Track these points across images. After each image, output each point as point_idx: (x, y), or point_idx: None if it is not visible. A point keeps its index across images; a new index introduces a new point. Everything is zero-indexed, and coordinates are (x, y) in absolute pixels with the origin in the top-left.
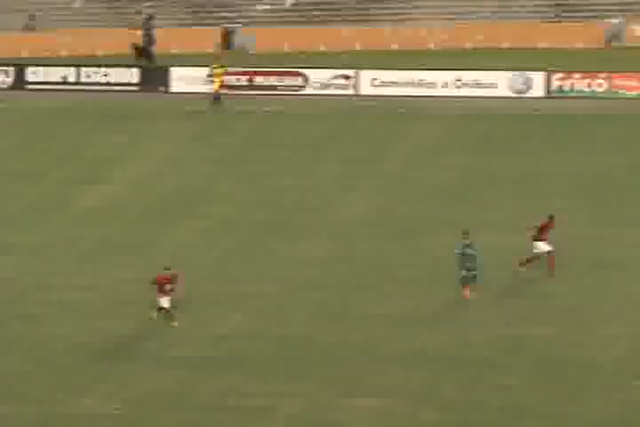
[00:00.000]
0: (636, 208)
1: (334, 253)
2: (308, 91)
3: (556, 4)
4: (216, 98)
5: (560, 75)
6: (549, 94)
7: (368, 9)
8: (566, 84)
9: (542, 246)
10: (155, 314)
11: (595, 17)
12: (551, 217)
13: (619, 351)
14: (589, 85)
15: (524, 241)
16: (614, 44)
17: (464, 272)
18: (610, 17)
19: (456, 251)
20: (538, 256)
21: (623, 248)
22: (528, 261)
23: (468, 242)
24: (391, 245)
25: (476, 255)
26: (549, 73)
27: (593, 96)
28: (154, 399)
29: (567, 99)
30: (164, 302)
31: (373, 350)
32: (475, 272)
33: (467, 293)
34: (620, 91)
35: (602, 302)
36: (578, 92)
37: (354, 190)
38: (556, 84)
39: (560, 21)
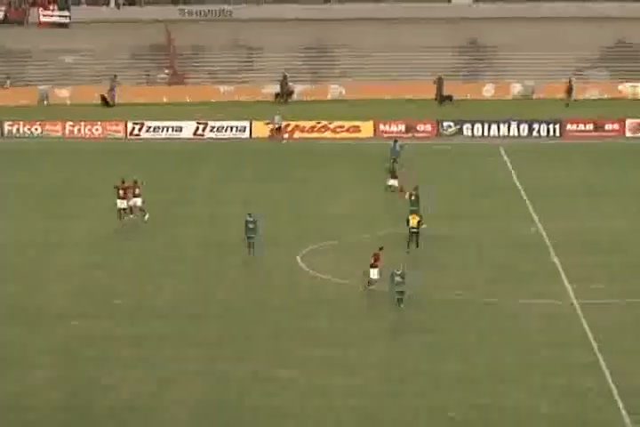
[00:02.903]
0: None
1: None
2: None
3: (7, 74)
4: None
5: (10, 122)
6: (4, 136)
7: None
8: (15, 129)
9: (123, 204)
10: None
11: (30, 85)
12: (124, 181)
13: (62, 302)
14: (29, 130)
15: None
16: (44, 102)
17: None
18: (42, 84)
19: None
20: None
21: (64, 234)
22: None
23: None
24: None
25: None
26: (2, 121)
27: (32, 137)
28: None
29: (17, 138)
30: None
31: None
32: None
33: None
34: (50, 133)
35: (46, 268)
36: (22, 133)
37: None
38: (7, 128)
39: (8, 87)
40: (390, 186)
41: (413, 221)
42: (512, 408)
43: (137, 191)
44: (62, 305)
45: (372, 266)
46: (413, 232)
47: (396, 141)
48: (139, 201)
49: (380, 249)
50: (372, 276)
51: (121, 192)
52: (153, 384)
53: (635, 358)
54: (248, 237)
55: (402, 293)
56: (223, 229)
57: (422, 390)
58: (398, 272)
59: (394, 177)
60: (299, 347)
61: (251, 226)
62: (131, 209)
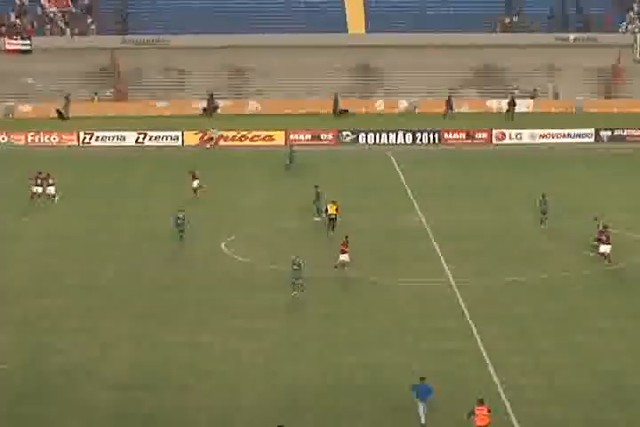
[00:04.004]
0: None
1: None
2: None
3: None
4: None
5: None
6: None
7: None
8: None
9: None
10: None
11: None
12: (41, 172)
13: (21, 282)
14: (3, 138)
15: None
16: (10, 116)
17: None
18: (7, 101)
19: None
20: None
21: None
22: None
23: None
24: None
25: None
26: None
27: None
28: None
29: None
30: None
31: None
32: None
33: None
34: (14, 141)
35: (6, 255)
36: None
37: None
38: None
39: None
40: (197, 186)
41: (331, 209)
42: (390, 365)
43: (50, 181)
44: (21, 285)
45: (343, 252)
46: (332, 218)
47: (291, 146)
48: (52, 189)
49: (347, 238)
50: (342, 259)
51: (38, 180)
52: (96, 348)
53: (503, 326)
54: (179, 229)
55: (298, 279)
56: (155, 220)
57: (318, 352)
58: (295, 261)
59: (195, 178)
60: (216, 317)
61: (179, 222)
62: (53, 195)
